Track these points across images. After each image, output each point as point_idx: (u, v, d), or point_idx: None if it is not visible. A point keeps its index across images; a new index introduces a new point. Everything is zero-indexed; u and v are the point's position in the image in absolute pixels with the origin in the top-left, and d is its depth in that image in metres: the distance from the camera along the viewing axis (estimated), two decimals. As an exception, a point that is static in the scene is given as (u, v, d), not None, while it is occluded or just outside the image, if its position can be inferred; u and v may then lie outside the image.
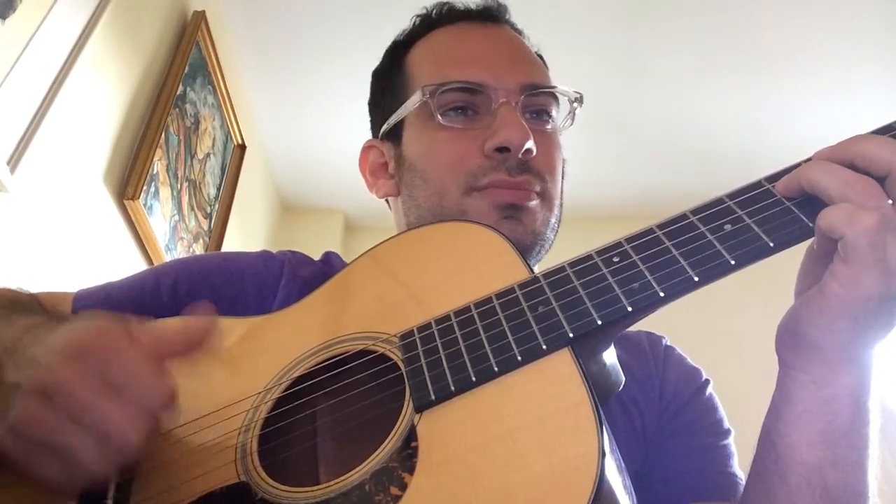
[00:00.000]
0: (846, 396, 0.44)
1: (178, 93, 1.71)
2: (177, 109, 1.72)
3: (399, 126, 0.74)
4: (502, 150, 0.66)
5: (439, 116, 0.69)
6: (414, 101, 0.71)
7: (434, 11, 0.78)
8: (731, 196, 0.45)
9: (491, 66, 0.70)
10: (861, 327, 0.41)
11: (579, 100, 0.75)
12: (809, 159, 0.44)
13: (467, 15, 0.77)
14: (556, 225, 0.71)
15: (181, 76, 1.73)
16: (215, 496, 0.45)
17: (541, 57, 0.80)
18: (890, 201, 0.40)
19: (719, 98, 2.35)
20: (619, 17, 2.08)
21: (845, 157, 0.42)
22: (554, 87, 0.73)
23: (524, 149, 0.65)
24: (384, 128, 0.76)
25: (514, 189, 0.66)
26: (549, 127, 0.73)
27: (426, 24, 0.78)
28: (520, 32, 0.80)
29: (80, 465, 0.39)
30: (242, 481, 0.45)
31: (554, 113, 0.74)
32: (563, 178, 0.75)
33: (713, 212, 0.45)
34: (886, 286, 0.39)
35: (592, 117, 2.49)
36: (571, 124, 0.77)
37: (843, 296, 0.40)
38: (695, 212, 0.45)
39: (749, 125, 2.44)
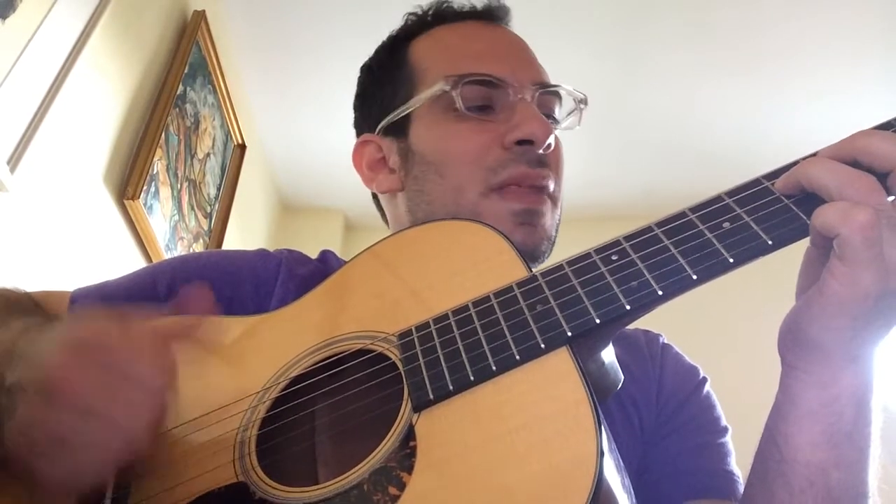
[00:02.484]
0: (849, 396, 0.44)
1: (178, 92, 1.71)
2: (177, 109, 1.72)
3: (404, 120, 0.73)
4: (523, 143, 0.66)
5: (462, 106, 0.68)
6: (433, 92, 0.69)
7: (432, 10, 0.78)
8: (730, 194, 0.45)
9: (508, 62, 0.71)
10: (862, 325, 0.41)
11: (584, 101, 0.75)
12: (813, 155, 0.44)
13: (472, 14, 0.77)
14: (558, 223, 0.71)
15: (181, 76, 1.74)
16: (213, 496, 0.45)
17: None
18: (891, 198, 0.40)
19: (719, 98, 2.34)
20: (619, 16, 2.07)
21: (848, 154, 0.41)
22: (565, 87, 0.74)
23: (546, 143, 0.66)
24: (384, 122, 0.74)
25: (533, 184, 0.66)
26: (556, 128, 0.73)
27: (425, 21, 0.77)
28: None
29: (91, 453, 0.40)
30: (241, 481, 0.45)
31: (558, 115, 0.74)
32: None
33: (711, 210, 0.45)
34: (885, 283, 0.39)
35: (592, 117, 2.48)
36: (579, 124, 0.77)
37: (841, 293, 0.40)
38: (693, 210, 0.45)
39: (749, 125, 2.43)
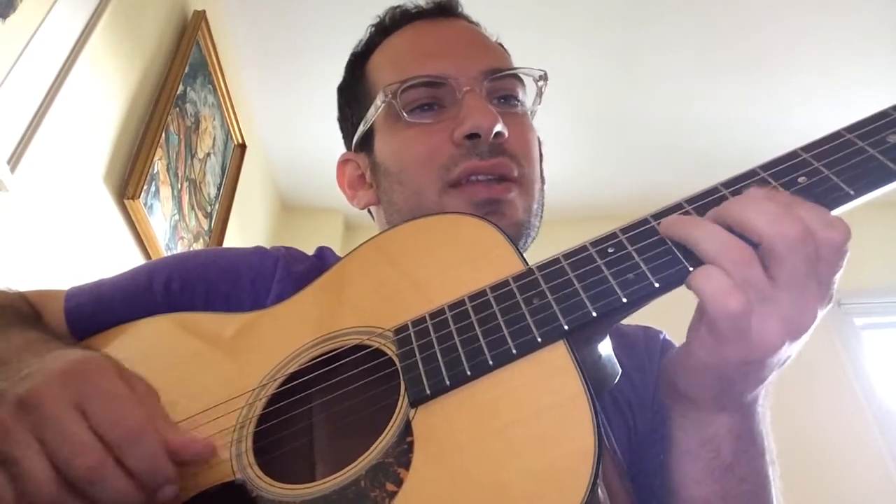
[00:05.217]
0: (725, 434, 0.45)
1: (178, 92, 1.71)
2: (177, 109, 1.72)
3: (370, 134, 0.74)
4: (472, 136, 0.65)
5: (405, 114, 0.68)
6: (378, 104, 0.71)
7: (387, 17, 0.78)
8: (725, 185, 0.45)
9: (450, 57, 0.70)
10: (727, 384, 0.43)
11: (544, 77, 0.74)
12: (700, 198, 0.45)
13: (420, 14, 0.77)
14: (538, 210, 0.70)
15: (181, 76, 1.74)
16: (211, 494, 0.45)
17: (501, 46, 0.80)
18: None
19: (719, 98, 2.34)
20: (619, 17, 2.07)
21: (724, 222, 0.42)
22: (515, 69, 0.73)
23: (494, 132, 0.65)
24: (355, 138, 0.76)
25: (489, 172, 0.65)
26: (518, 110, 0.72)
27: (382, 31, 0.78)
28: (476, 24, 0.80)
29: (27, 483, 0.37)
30: (238, 479, 0.45)
31: (521, 96, 0.73)
32: (540, 160, 0.74)
33: (707, 201, 0.45)
34: (747, 354, 0.40)
35: (592, 117, 2.50)
36: (540, 103, 0.76)
37: (705, 359, 0.42)
38: (690, 201, 0.45)
39: (748, 125, 2.43)
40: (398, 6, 0.79)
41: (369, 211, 0.80)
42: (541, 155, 0.76)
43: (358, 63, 0.79)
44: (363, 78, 0.76)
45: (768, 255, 0.39)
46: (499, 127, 0.65)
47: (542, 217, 0.72)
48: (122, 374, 0.43)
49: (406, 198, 0.68)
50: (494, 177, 0.66)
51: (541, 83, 0.75)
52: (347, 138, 0.81)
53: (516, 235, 0.66)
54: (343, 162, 0.80)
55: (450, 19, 0.78)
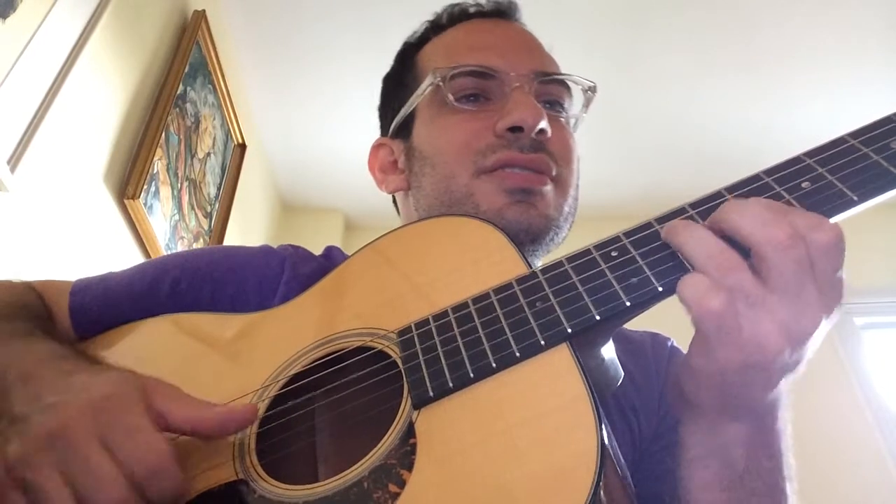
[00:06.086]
0: (735, 442, 0.44)
1: (178, 92, 1.71)
2: (177, 109, 1.72)
3: (409, 119, 0.74)
4: (515, 130, 0.65)
5: (451, 97, 0.68)
6: (425, 86, 0.70)
7: (445, 14, 0.78)
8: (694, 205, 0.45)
9: (503, 52, 0.70)
10: (731, 391, 0.41)
11: (593, 89, 0.74)
12: (704, 202, 0.44)
13: (479, 13, 0.78)
14: (570, 216, 0.70)
15: (181, 75, 1.74)
16: (214, 494, 0.45)
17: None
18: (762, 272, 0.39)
19: (719, 98, 2.34)
20: (620, 17, 2.07)
21: (717, 226, 0.41)
22: (567, 75, 0.73)
23: (538, 128, 0.64)
24: (394, 123, 0.76)
25: (526, 166, 0.64)
26: (561, 117, 0.72)
27: (437, 26, 0.78)
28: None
29: None
30: (241, 479, 0.45)
31: (567, 104, 0.73)
32: (577, 175, 0.73)
33: (711, 206, 0.45)
34: (743, 357, 0.39)
35: (592, 117, 2.50)
36: (586, 112, 0.76)
37: (703, 365, 0.41)
38: (693, 206, 0.45)
39: (749, 124, 2.43)
40: (456, 4, 0.79)
41: (394, 201, 0.80)
42: (578, 170, 0.75)
43: (409, 53, 0.79)
44: (413, 66, 0.76)
45: (759, 260, 0.39)
46: (543, 124, 0.64)
47: (571, 225, 0.70)
48: (150, 403, 0.43)
49: (435, 181, 0.68)
50: (532, 170, 0.65)
51: (589, 94, 0.75)
52: (386, 126, 0.80)
53: (544, 230, 0.65)
54: (377, 146, 0.80)
55: (507, 21, 0.78)
